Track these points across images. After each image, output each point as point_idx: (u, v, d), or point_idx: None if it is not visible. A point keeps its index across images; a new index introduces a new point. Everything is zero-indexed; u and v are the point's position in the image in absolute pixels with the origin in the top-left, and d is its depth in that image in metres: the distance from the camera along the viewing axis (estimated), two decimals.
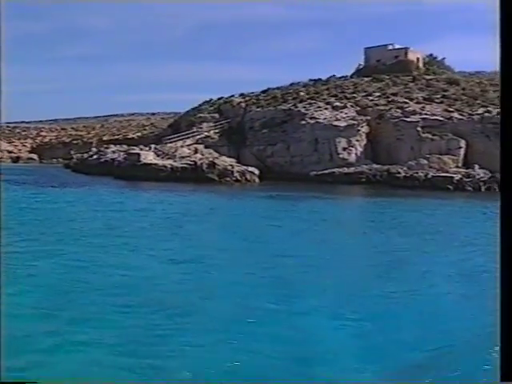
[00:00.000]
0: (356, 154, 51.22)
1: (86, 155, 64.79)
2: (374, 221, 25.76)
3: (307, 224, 23.46)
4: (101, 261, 14.26)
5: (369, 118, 52.71)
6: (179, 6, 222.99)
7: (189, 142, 57.04)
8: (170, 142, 56.54)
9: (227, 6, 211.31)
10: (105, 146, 62.95)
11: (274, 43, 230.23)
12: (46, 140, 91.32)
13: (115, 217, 23.14)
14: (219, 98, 68.58)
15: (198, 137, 58.15)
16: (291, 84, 66.99)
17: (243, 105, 62.72)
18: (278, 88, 66.74)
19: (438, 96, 55.02)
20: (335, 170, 49.93)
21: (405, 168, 48.21)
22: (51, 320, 9.51)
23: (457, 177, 44.53)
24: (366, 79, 62.66)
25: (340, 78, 66.79)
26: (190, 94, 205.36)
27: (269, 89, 66.33)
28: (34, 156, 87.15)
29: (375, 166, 49.71)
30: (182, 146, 53.77)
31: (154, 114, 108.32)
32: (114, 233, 18.86)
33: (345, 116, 53.08)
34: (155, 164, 48.54)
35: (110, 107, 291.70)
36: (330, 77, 67.39)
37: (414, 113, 51.92)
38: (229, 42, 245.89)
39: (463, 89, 56.94)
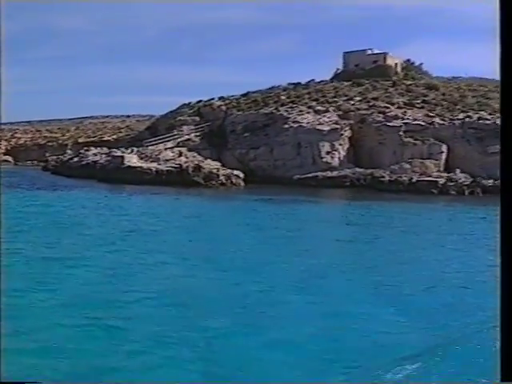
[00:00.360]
0: (339, 157, 51.56)
1: (65, 157, 64.17)
2: (386, 223, 26.10)
3: (322, 227, 23.75)
4: (135, 267, 14.13)
5: (351, 122, 53.12)
6: (152, 6, 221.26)
7: (170, 144, 56.87)
8: (152, 145, 56.34)
9: (201, 7, 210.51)
10: (85, 148, 62.25)
11: (248, 46, 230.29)
12: (21, 142, 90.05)
13: (122, 220, 22.99)
14: (198, 101, 68.47)
15: (179, 140, 58.00)
16: (271, 87, 67.20)
17: (224, 108, 62.76)
18: (257, 91, 66.96)
19: (419, 101, 55.74)
20: (319, 173, 50.20)
21: (388, 172, 48.74)
22: (117, 336, 9.33)
23: (441, 181, 45.21)
24: (346, 83, 63.08)
25: (320, 82, 67.13)
26: (165, 96, 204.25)
27: (248, 92, 66.51)
28: (9, 158, 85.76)
29: (358, 169, 50.12)
30: (165, 149, 53.55)
31: (128, 116, 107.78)
32: (132, 237, 18.76)
33: (327, 120, 53.43)
34: (140, 167, 48.28)
35: (84, 109, 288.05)
36: (310, 81, 67.74)
37: (395, 117, 52.48)
38: (202, 44, 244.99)
39: (443, 94, 57.76)
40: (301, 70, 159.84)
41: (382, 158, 51.09)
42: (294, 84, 67.73)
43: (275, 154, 53.25)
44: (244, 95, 65.78)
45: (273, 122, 55.88)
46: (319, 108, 55.81)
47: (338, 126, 52.15)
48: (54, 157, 73.78)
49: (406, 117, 52.46)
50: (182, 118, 63.64)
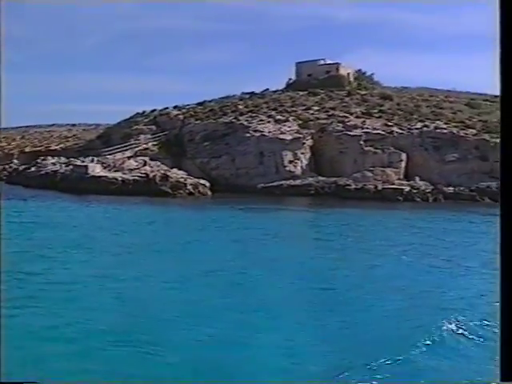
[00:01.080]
0: (301, 166, 52.16)
1: (18, 167, 62.68)
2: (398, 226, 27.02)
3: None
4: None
5: (313, 131, 53.87)
6: (93, 13, 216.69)
7: (128, 154, 56.29)
8: (109, 154, 55.66)
9: (142, 14, 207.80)
10: (41, 157, 60.79)
11: (194, 55, 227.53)
12: None
13: (133, 231, 22.77)
14: (153, 110, 68.09)
15: (137, 149, 57.52)
16: (226, 96, 67.49)
17: (181, 117, 62.60)
18: (212, 100, 67.16)
19: (376, 111, 57.05)
20: (283, 182, 50.70)
21: (351, 180, 49.68)
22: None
23: (406, 189, 46.46)
24: (301, 93, 63.92)
25: (275, 91, 67.84)
26: (110, 104, 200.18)
27: (205, 101, 66.60)
28: None
29: (321, 178, 50.87)
30: (128, 158, 53.00)
31: (74, 125, 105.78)
32: (177, 247, 18.63)
33: (288, 129, 54.05)
34: (105, 176, 47.62)
35: (29, 118, 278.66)
36: (265, 90, 68.37)
37: (355, 127, 53.54)
38: (145, 52, 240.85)
39: (397, 104, 59.28)
40: (249, 79, 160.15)
41: (343, 166, 51.98)
42: (248, 93, 68.20)
43: (237, 162, 53.41)
44: (200, 104, 65.81)
45: (233, 131, 56.09)
46: (279, 117, 56.38)
47: (300, 136, 52.84)
48: (0, 167, 72.00)
49: (365, 126, 53.59)
50: (138, 126, 63.05)
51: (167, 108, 66.99)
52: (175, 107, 66.74)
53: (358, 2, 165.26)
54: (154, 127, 62.53)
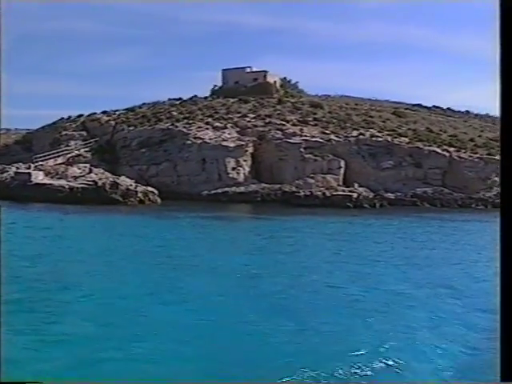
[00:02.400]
0: (244, 173, 52.82)
1: None
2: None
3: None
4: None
5: (254, 138, 54.64)
6: None
7: (60, 160, 54.80)
8: (42, 160, 53.93)
9: (44, 17, 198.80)
10: None
11: (96, 59, 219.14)
12: None
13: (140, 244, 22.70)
14: (79, 115, 66.49)
15: (69, 155, 56.14)
16: (156, 102, 67.07)
17: (112, 123, 61.59)
18: (141, 106, 66.58)
19: (310, 119, 58.55)
20: (227, 189, 51.12)
21: (294, 187, 50.87)
22: None
23: (354, 195, 48.18)
24: (232, 100, 64.32)
25: (205, 97, 68.06)
26: (15, 109, 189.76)
27: (134, 107, 65.86)
28: None
29: (265, 185, 51.71)
30: (70, 165, 51.65)
31: None
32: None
33: (229, 136, 54.58)
34: (50, 184, 46.23)
35: None
36: (193, 96, 68.41)
37: (294, 134, 54.83)
38: (48, 55, 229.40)
39: (329, 112, 61.12)
40: (163, 84, 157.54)
41: (284, 173, 53.00)
42: (176, 99, 68.06)
43: (179, 169, 53.20)
44: (131, 110, 64.94)
45: (170, 137, 55.93)
46: (217, 124, 56.74)
47: (242, 143, 53.48)
48: None
49: (303, 134, 54.99)
50: (68, 132, 61.37)
51: (95, 113, 65.63)
52: (104, 112, 65.52)
53: (267, 8, 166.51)
54: (84, 133, 61.11)
